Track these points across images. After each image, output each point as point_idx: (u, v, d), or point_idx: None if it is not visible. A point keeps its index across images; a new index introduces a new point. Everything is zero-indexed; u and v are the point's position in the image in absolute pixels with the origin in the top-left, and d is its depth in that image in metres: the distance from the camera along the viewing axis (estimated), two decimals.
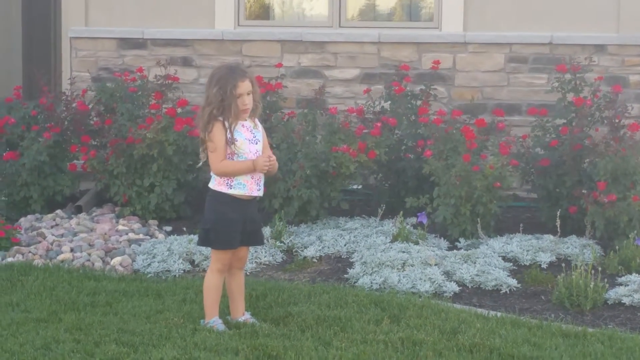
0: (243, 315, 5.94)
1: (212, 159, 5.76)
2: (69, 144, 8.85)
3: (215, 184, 5.80)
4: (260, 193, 5.88)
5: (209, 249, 6.06)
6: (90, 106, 8.98)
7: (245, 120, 5.79)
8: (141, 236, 8.01)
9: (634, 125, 7.96)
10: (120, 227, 8.21)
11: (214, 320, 5.82)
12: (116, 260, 7.41)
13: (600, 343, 5.64)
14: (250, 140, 5.79)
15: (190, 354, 5.30)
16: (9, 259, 7.43)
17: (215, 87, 5.69)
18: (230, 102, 5.67)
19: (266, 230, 7.78)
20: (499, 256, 7.35)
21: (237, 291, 5.96)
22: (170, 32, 10.12)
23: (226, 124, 5.70)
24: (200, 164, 5.98)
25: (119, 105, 8.79)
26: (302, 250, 7.58)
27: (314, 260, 7.45)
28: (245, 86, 5.71)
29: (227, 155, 5.74)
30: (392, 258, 7.07)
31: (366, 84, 9.62)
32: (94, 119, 8.94)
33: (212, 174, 5.84)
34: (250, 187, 5.79)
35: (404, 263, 7.03)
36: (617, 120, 8.11)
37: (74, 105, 8.95)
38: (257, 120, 5.91)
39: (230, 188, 5.76)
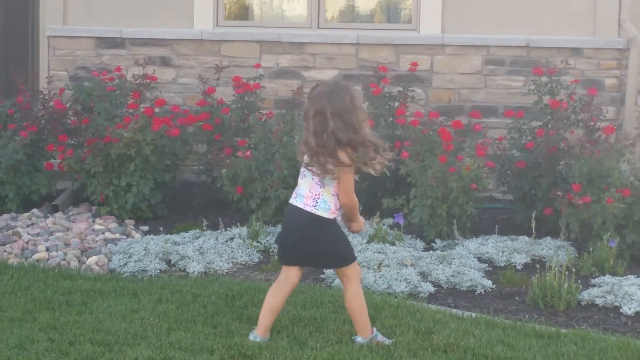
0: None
1: (349, 187, 5.45)
2: (46, 143, 8.82)
3: (329, 212, 5.46)
4: None
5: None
6: (67, 105, 8.96)
7: None
8: (117, 235, 8.00)
9: (608, 128, 8.05)
10: (96, 227, 8.19)
11: (376, 332, 5.62)
12: (92, 260, 7.40)
13: (573, 344, 5.68)
14: None
15: (165, 354, 5.31)
16: None
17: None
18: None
19: (243, 231, 7.79)
20: (475, 257, 7.39)
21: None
22: (149, 32, 10.10)
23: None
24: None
25: (97, 104, 8.78)
26: None
27: None
28: None
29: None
30: (369, 258, 7.10)
31: None
32: (71, 118, 8.91)
33: (318, 201, 5.46)
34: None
35: (380, 263, 7.05)
36: (592, 123, 8.18)
37: (51, 104, 8.93)
38: None
39: (333, 215, 5.51)
